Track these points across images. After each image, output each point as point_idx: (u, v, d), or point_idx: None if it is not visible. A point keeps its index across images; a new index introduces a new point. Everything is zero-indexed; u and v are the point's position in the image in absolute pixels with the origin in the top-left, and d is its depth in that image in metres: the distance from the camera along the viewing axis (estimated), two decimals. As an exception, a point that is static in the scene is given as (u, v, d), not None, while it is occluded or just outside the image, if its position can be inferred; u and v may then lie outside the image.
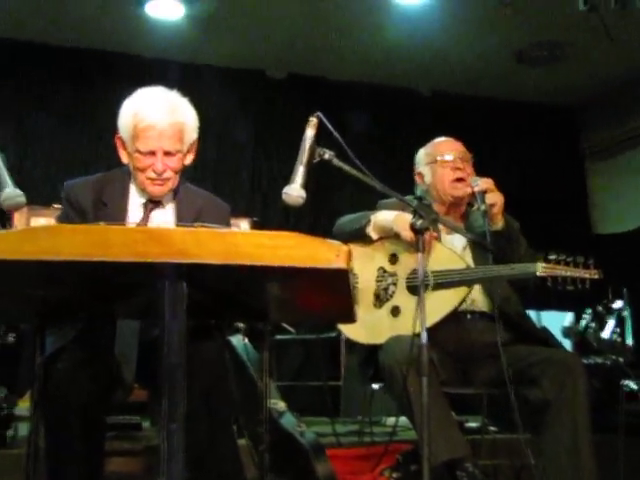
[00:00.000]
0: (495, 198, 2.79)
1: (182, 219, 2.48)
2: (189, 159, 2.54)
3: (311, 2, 5.49)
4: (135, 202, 2.49)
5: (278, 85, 6.76)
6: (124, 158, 2.49)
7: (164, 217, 2.50)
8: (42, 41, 6.08)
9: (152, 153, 2.39)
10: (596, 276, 2.66)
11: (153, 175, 2.41)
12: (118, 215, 2.43)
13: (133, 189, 2.50)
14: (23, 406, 3.23)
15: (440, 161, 2.98)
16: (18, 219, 2.77)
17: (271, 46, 6.24)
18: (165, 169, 2.41)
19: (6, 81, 6.06)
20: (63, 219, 2.47)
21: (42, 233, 1.49)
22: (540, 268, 2.64)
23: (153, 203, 2.49)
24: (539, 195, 6.98)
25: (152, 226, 2.32)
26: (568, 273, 2.64)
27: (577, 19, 4.91)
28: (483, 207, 2.74)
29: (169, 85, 6.07)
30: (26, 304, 1.84)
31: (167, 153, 2.40)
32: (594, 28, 4.94)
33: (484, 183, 2.81)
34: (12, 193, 2.01)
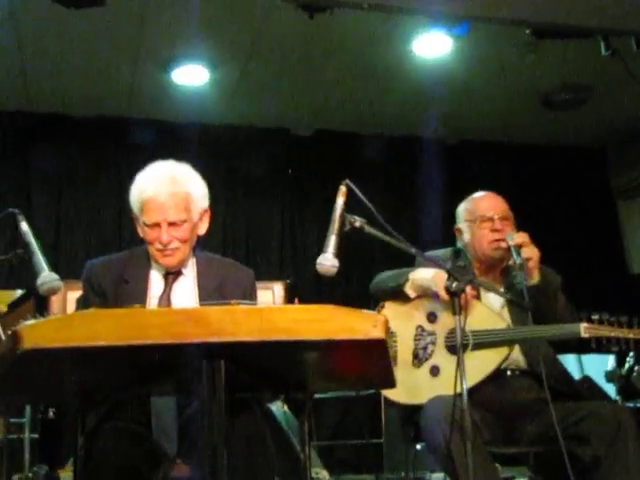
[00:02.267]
0: (531, 252, 2.76)
1: (204, 288, 2.50)
2: (202, 228, 2.57)
3: (335, 59, 5.56)
4: (156, 276, 2.52)
5: (305, 142, 6.81)
6: (140, 233, 2.54)
7: (186, 287, 2.51)
8: (70, 113, 6.22)
9: (157, 225, 2.43)
10: None
11: (160, 247, 2.44)
12: (140, 290, 2.46)
13: (153, 264, 2.53)
14: (65, 475, 3.22)
15: (479, 220, 2.95)
16: (55, 297, 2.79)
17: (296, 105, 6.32)
18: (171, 240, 2.43)
19: (37, 157, 6.16)
20: (83, 301, 2.49)
21: (78, 320, 1.50)
22: (583, 329, 2.62)
23: (173, 274, 2.51)
24: (572, 239, 6.92)
25: (186, 307, 2.32)
26: (612, 334, 2.61)
27: (601, 62, 4.91)
28: (519, 261, 2.71)
29: (195, 147, 6.18)
30: (65, 388, 1.84)
31: (172, 224, 2.43)
32: (617, 70, 4.94)
33: (519, 237, 2.78)
34: (48, 277, 2.02)
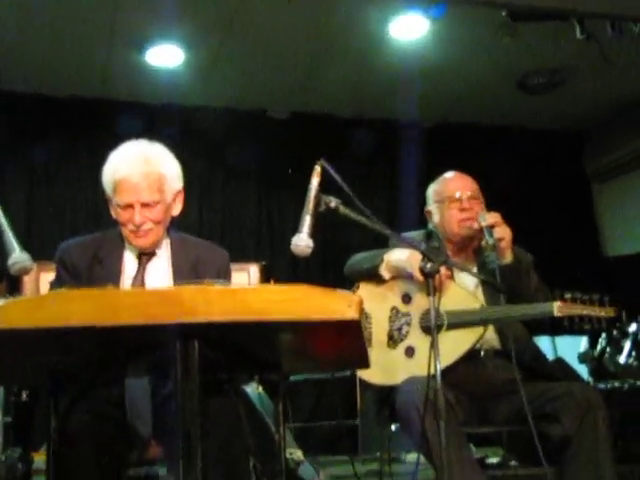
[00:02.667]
0: (503, 232, 2.77)
1: (179, 269, 2.49)
2: (176, 209, 2.54)
3: (311, 40, 5.53)
4: (130, 256, 2.50)
5: (281, 125, 6.78)
6: (113, 214, 2.51)
7: (160, 268, 2.50)
8: (44, 93, 6.15)
9: (130, 206, 2.41)
10: (612, 314, 2.66)
11: (133, 228, 2.42)
12: (113, 270, 2.44)
13: (127, 244, 2.51)
14: (39, 459, 3.21)
15: (448, 201, 2.96)
16: (28, 277, 2.76)
17: (272, 87, 6.29)
18: (144, 221, 2.41)
19: (10, 137, 6.09)
20: (56, 282, 2.47)
21: (51, 300, 1.48)
22: (557, 308, 2.63)
23: (147, 255, 2.49)
24: (547, 221, 6.98)
25: (159, 287, 2.31)
26: (584, 312, 2.63)
27: (576, 46, 4.93)
28: (491, 241, 2.72)
29: (173, 129, 6.13)
30: (37, 369, 1.83)
31: (145, 205, 2.41)
32: (592, 54, 4.97)
33: (491, 218, 2.80)
34: (19, 257, 2.00)
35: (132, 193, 2.40)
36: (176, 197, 2.53)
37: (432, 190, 3.07)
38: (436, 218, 3.02)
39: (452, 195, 2.96)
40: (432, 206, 3.05)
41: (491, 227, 2.77)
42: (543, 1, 4.23)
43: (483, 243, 2.81)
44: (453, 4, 4.52)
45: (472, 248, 3.00)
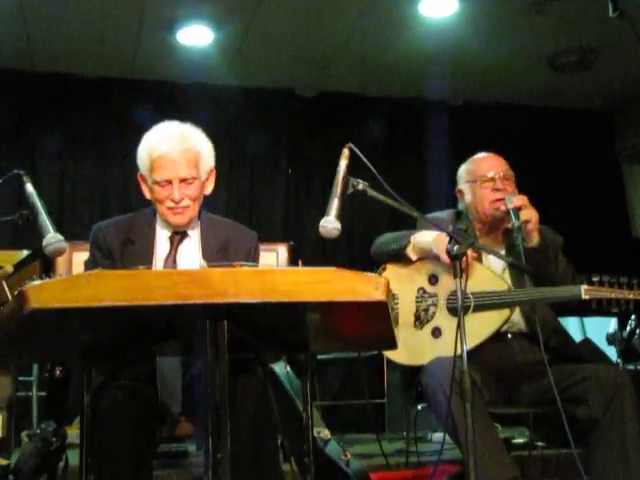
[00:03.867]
0: (529, 214, 2.76)
1: (208, 249, 2.53)
2: (209, 188, 2.59)
3: (339, 20, 5.51)
4: (162, 237, 2.55)
5: (309, 104, 6.78)
6: (147, 194, 2.57)
7: (190, 248, 2.54)
8: (74, 72, 6.20)
9: (169, 182, 2.46)
10: None
11: (171, 204, 2.47)
12: (145, 251, 2.49)
13: (159, 224, 2.56)
14: (73, 433, 3.27)
15: (480, 181, 2.94)
16: (61, 258, 2.81)
17: (300, 66, 6.28)
18: (183, 197, 2.47)
19: (41, 118, 6.15)
20: (90, 263, 2.52)
21: (84, 280, 1.51)
22: (584, 291, 2.63)
23: (179, 235, 2.53)
24: (577, 201, 6.92)
25: (189, 268, 2.34)
26: (612, 295, 2.63)
27: (607, 24, 4.87)
28: (517, 224, 2.72)
29: (202, 109, 6.14)
30: (71, 347, 1.87)
31: (183, 180, 2.46)
32: (625, 32, 4.90)
33: (518, 200, 2.79)
34: (53, 238, 2.04)
35: (171, 169, 2.44)
36: (209, 175, 2.58)
37: (464, 169, 3.05)
38: (468, 198, 3.00)
39: (485, 175, 2.94)
40: (464, 185, 3.03)
41: (518, 209, 2.76)
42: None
43: (509, 225, 2.81)
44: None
45: (502, 230, 2.99)
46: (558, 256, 2.88)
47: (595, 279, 2.63)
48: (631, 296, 2.65)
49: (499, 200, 2.89)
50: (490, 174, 2.93)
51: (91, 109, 6.30)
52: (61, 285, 1.52)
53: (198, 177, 2.50)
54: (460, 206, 3.08)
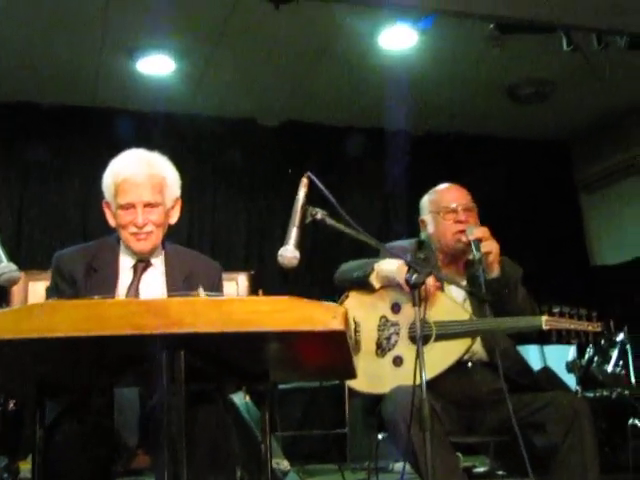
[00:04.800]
0: (490, 246, 2.79)
1: (173, 280, 2.50)
2: (174, 217, 2.58)
3: (302, 50, 5.56)
4: (125, 265, 2.51)
5: (271, 134, 6.80)
6: (111, 222, 2.54)
7: (154, 278, 2.51)
8: (35, 101, 6.14)
9: (132, 206, 2.43)
10: (598, 329, 2.72)
11: (134, 229, 2.45)
12: (109, 280, 2.45)
13: (123, 252, 2.53)
14: (25, 468, 3.21)
15: (443, 212, 2.97)
16: (16, 287, 2.76)
17: (262, 95, 6.31)
18: (146, 222, 2.44)
19: (2, 144, 6.09)
20: (52, 290, 2.47)
21: (38, 310, 1.49)
22: (545, 322, 2.67)
23: (142, 264, 2.51)
24: (535, 231, 7.01)
25: (147, 298, 2.31)
26: (572, 326, 2.67)
27: (563, 57, 4.97)
28: (478, 256, 2.74)
29: (162, 138, 6.11)
30: (24, 379, 1.84)
31: (147, 205, 2.44)
32: (580, 65, 5.00)
33: (479, 232, 2.82)
34: (7, 268, 2.00)
35: (135, 193, 2.43)
36: (175, 204, 2.57)
37: (427, 200, 3.08)
38: (430, 228, 3.03)
39: (447, 206, 2.97)
40: (427, 216, 3.06)
41: (479, 241, 2.79)
42: (530, 14, 4.26)
43: (470, 257, 2.83)
44: (441, 16, 4.54)
45: (463, 261, 3.02)
46: (518, 287, 2.90)
47: (556, 310, 2.68)
48: (590, 328, 2.70)
49: (461, 232, 2.91)
50: (452, 205, 2.97)
51: (50, 137, 6.24)
52: (14, 315, 1.49)
53: (163, 203, 2.48)
54: (422, 235, 3.10)
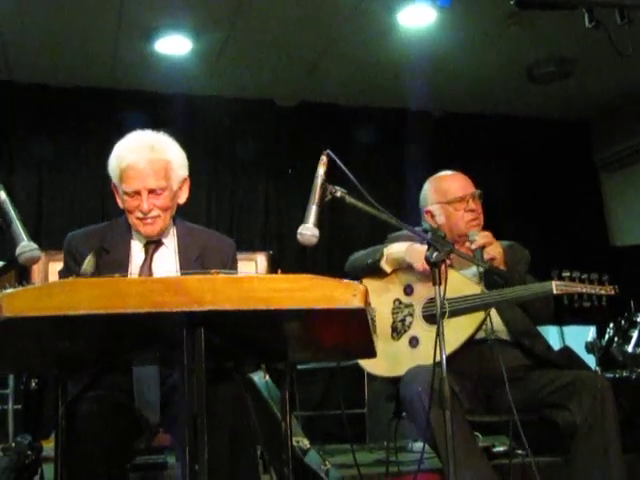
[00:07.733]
0: (494, 251, 2.78)
1: (185, 257, 2.50)
2: (182, 197, 2.56)
3: (318, 30, 5.52)
4: (137, 246, 2.51)
5: (288, 114, 6.77)
6: (120, 203, 2.53)
7: (167, 257, 2.51)
8: (52, 83, 6.17)
9: (137, 193, 2.42)
10: (612, 292, 2.65)
11: (140, 215, 2.44)
12: (121, 260, 2.45)
13: (134, 233, 2.52)
14: (48, 446, 3.23)
15: (456, 202, 2.95)
16: (37, 267, 2.78)
17: (280, 76, 6.28)
18: (151, 208, 2.43)
19: (19, 128, 6.11)
20: (64, 272, 2.48)
21: (58, 289, 1.49)
22: (555, 286, 2.62)
23: (154, 244, 2.50)
24: (555, 210, 6.95)
25: (167, 275, 2.31)
26: (583, 290, 2.62)
27: (584, 35, 4.88)
28: (484, 266, 2.72)
29: (179, 118, 6.10)
30: (45, 356, 1.85)
31: (152, 191, 2.42)
32: (602, 43, 4.92)
33: (481, 239, 2.79)
34: (27, 247, 2.00)
35: (139, 180, 2.41)
36: (182, 185, 2.54)
37: (432, 190, 3.04)
38: (441, 219, 2.99)
39: (458, 196, 2.95)
40: (434, 206, 3.01)
41: (482, 248, 2.77)
42: (551, -11, 4.20)
43: (476, 268, 2.79)
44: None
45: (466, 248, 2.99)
46: (525, 280, 2.86)
47: (566, 274, 2.62)
48: (602, 292, 2.64)
49: (474, 219, 2.91)
50: (461, 194, 2.95)
51: (69, 119, 6.26)
52: (35, 293, 1.50)
53: (168, 187, 2.45)
54: (425, 225, 3.06)
